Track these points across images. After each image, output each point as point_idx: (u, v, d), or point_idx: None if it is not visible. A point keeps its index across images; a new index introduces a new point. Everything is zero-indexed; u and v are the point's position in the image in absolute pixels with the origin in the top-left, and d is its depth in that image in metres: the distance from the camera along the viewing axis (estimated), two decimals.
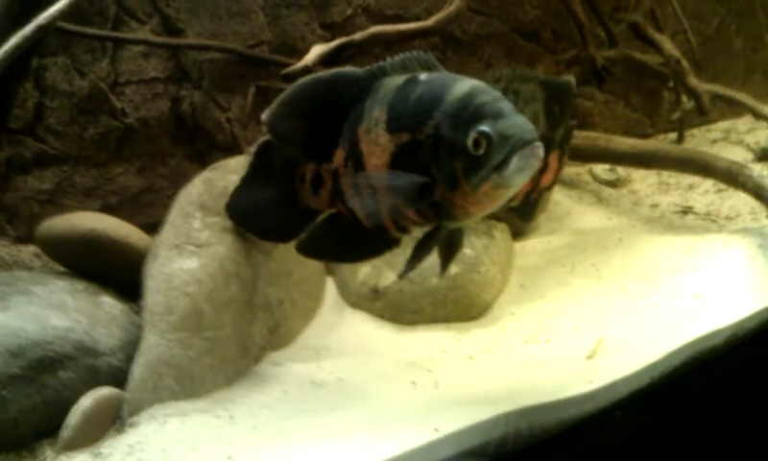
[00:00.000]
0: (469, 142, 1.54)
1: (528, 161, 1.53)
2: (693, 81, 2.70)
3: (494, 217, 2.57)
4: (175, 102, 2.95)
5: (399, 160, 1.64)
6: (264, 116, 1.70)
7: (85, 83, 2.80)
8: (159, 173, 2.96)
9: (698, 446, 1.94)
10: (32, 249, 2.66)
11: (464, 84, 1.62)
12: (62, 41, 2.74)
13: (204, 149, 2.98)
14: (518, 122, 1.55)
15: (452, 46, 3.36)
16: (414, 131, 1.63)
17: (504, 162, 1.52)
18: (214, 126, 3.00)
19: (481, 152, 1.54)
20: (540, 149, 1.53)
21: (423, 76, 1.66)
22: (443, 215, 1.65)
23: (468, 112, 1.57)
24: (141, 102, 2.90)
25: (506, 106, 1.58)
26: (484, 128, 1.53)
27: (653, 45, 2.83)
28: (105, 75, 2.82)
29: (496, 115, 1.55)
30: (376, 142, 1.66)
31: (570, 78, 2.52)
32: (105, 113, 2.85)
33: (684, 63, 2.74)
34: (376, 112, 1.66)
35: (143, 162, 2.94)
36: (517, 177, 1.55)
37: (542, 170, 2.41)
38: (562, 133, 2.41)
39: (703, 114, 2.79)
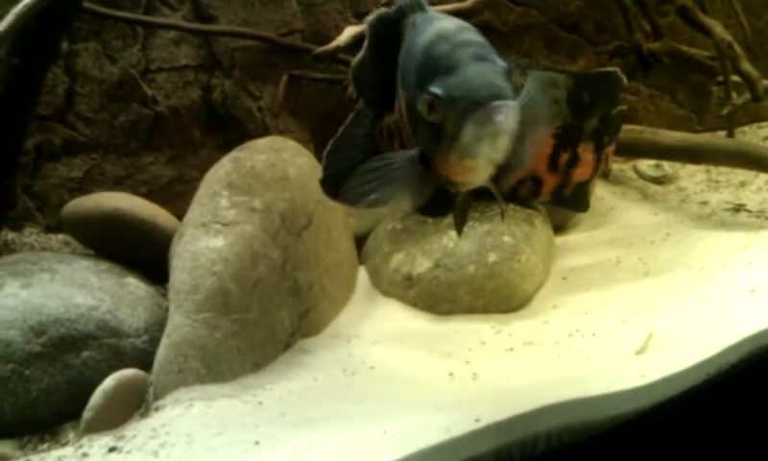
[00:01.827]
0: (423, 107, 1.29)
1: (485, 128, 1.23)
2: (747, 65, 2.55)
3: (530, 206, 2.43)
4: (206, 90, 2.90)
5: (408, 117, 1.45)
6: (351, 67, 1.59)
7: (116, 69, 2.77)
8: (190, 163, 2.90)
9: (757, 447, 1.79)
10: (61, 237, 2.63)
11: (431, 30, 1.36)
12: (93, 27, 2.72)
13: (236, 138, 2.90)
14: (472, 76, 1.24)
15: (490, 37, 3.24)
16: (407, 89, 1.43)
17: (458, 131, 1.25)
18: (245, 115, 2.94)
19: (438, 117, 1.27)
20: (503, 108, 1.22)
21: (418, 18, 1.44)
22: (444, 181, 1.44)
23: (427, 68, 1.31)
24: (172, 90, 2.86)
25: (464, 54, 1.27)
26: (434, 89, 1.26)
27: (702, 30, 2.69)
28: (136, 61, 2.79)
29: (449, 70, 1.25)
30: (399, 95, 1.53)
31: (615, 69, 2.37)
32: (135, 101, 2.81)
33: (737, 47, 2.59)
34: (399, 63, 1.49)
35: (174, 152, 2.89)
36: (479, 147, 1.26)
37: (572, 163, 2.28)
38: (595, 124, 2.27)
39: (757, 101, 2.63)
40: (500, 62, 1.30)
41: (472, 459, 1.44)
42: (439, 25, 1.38)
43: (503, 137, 1.29)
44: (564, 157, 2.24)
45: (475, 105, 1.23)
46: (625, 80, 2.27)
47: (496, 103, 1.23)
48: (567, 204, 2.40)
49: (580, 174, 2.28)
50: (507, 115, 1.25)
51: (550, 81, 2.18)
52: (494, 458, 1.43)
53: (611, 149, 2.29)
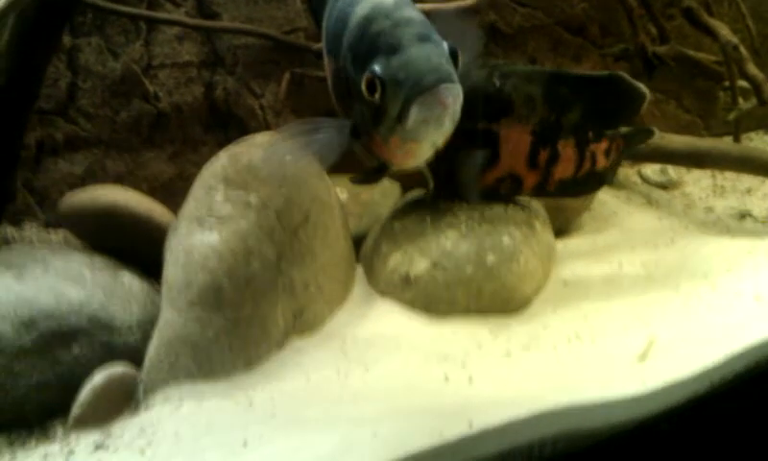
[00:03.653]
0: (364, 87, 1.25)
1: (432, 112, 1.20)
2: (753, 68, 2.51)
3: (515, 202, 2.37)
4: (208, 87, 2.89)
5: (334, 85, 1.43)
6: None
7: (118, 64, 2.76)
8: (191, 160, 2.89)
9: (762, 456, 1.75)
10: (61, 234, 2.61)
11: (366, 3, 1.30)
12: (96, 21, 2.71)
13: (237, 136, 2.85)
14: (417, 58, 1.19)
15: (495, 39, 3.23)
16: (335, 57, 1.39)
17: (403, 113, 1.22)
18: (247, 113, 2.93)
19: (377, 98, 1.23)
20: (449, 92, 1.18)
21: None
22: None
23: (364, 45, 1.26)
24: (174, 86, 2.85)
25: (407, 33, 1.22)
26: (375, 68, 1.22)
27: (708, 32, 2.65)
28: (138, 57, 2.78)
29: (392, 49, 1.21)
30: (325, 60, 1.47)
31: (641, 86, 2.27)
32: (137, 97, 2.80)
33: (743, 50, 2.55)
34: (324, 25, 1.47)
35: (175, 148, 2.88)
36: (424, 130, 1.23)
37: (552, 160, 2.24)
38: (575, 119, 2.22)
39: (763, 104, 2.59)
40: (444, 43, 1.27)
41: None
42: None
43: (449, 121, 1.26)
44: (544, 155, 2.21)
45: (422, 89, 1.19)
46: (648, 93, 2.22)
47: (443, 86, 1.19)
48: (584, 186, 2.34)
49: (561, 170, 2.25)
50: (454, 99, 1.21)
51: (525, 77, 2.15)
52: None
53: (599, 146, 2.24)
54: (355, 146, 1.45)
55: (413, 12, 1.30)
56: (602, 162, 2.29)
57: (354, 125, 1.40)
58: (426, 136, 1.27)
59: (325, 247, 2.06)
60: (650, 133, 2.36)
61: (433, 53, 1.22)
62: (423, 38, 1.23)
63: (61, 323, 1.71)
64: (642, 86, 2.22)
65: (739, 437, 1.74)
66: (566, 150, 2.24)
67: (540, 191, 2.32)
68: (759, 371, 1.78)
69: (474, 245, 2.11)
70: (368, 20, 1.28)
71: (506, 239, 2.13)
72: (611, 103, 2.25)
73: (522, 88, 2.18)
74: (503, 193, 2.31)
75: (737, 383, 1.74)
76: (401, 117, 1.23)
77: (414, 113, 1.21)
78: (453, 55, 1.28)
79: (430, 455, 1.41)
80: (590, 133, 2.24)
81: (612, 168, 2.37)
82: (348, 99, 1.39)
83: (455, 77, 1.23)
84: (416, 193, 2.55)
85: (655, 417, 1.62)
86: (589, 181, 2.33)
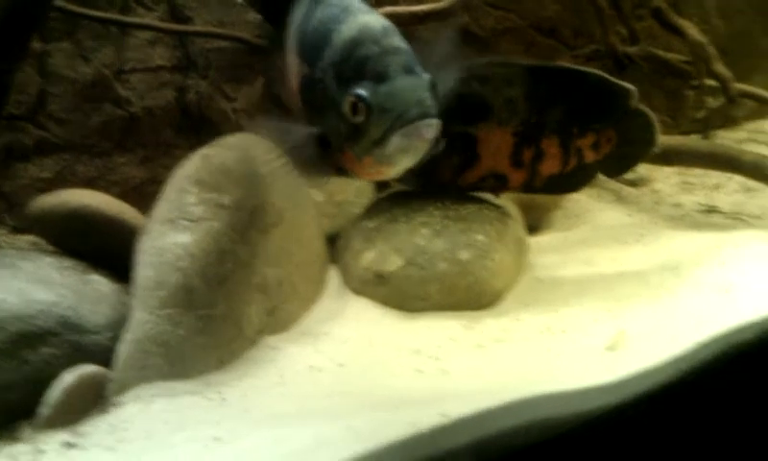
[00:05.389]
0: (346, 106, 1.31)
1: (411, 143, 1.29)
2: (720, 67, 2.57)
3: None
4: (181, 91, 2.88)
5: (305, 91, 1.46)
6: None
7: (90, 69, 2.74)
8: (163, 164, 2.87)
9: (728, 444, 1.78)
10: (30, 238, 2.58)
11: (354, 23, 1.36)
12: (67, 26, 2.70)
13: (210, 140, 2.87)
14: (404, 90, 1.27)
15: (468, 41, 3.27)
16: (311, 66, 1.42)
17: (383, 140, 1.29)
18: (220, 116, 2.92)
19: (360, 119, 1.29)
20: (429, 128, 1.27)
21: None
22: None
23: (350, 66, 1.32)
24: (146, 90, 2.83)
25: (394, 62, 1.29)
26: (361, 92, 1.28)
27: (676, 32, 2.71)
28: (109, 62, 2.76)
29: (379, 77, 1.28)
30: (292, 61, 1.51)
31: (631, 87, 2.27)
32: (109, 101, 2.78)
33: (710, 49, 2.61)
34: (294, 26, 1.50)
35: (147, 153, 2.86)
36: (400, 157, 1.32)
37: (537, 158, 2.27)
38: (558, 117, 2.24)
39: (731, 102, 2.66)
40: (425, 75, 1.34)
41: (435, 453, 1.42)
42: (362, 19, 1.36)
43: (423, 150, 1.34)
44: (528, 154, 2.24)
45: (406, 120, 1.26)
46: (633, 89, 2.23)
47: (425, 121, 1.27)
48: (573, 181, 2.35)
49: (548, 167, 2.28)
50: (432, 132, 1.29)
51: (505, 79, 2.17)
52: (457, 453, 1.41)
53: (585, 141, 2.26)
54: (323, 155, 1.48)
55: (400, 41, 1.36)
56: (590, 156, 2.31)
57: (322, 135, 1.44)
58: (401, 163, 1.36)
59: (300, 246, 2.07)
60: (647, 118, 2.32)
61: (418, 85, 1.29)
62: (409, 70, 1.30)
63: (30, 324, 1.69)
64: (625, 84, 2.25)
65: (708, 423, 1.77)
66: (551, 148, 2.26)
67: (528, 188, 2.34)
68: (727, 359, 1.81)
69: (448, 242, 2.13)
70: (355, 43, 1.33)
71: (480, 236, 2.16)
72: (593, 98, 2.26)
73: (502, 92, 2.20)
74: (486, 190, 2.34)
75: (705, 371, 1.77)
76: (381, 142, 1.30)
77: (394, 142, 1.28)
78: (433, 87, 1.35)
79: (405, 446, 1.41)
80: (575, 129, 2.26)
81: (612, 161, 2.33)
82: (319, 108, 1.43)
83: (436, 111, 1.31)
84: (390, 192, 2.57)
85: (624, 404, 1.64)
86: (579, 176, 2.35)
